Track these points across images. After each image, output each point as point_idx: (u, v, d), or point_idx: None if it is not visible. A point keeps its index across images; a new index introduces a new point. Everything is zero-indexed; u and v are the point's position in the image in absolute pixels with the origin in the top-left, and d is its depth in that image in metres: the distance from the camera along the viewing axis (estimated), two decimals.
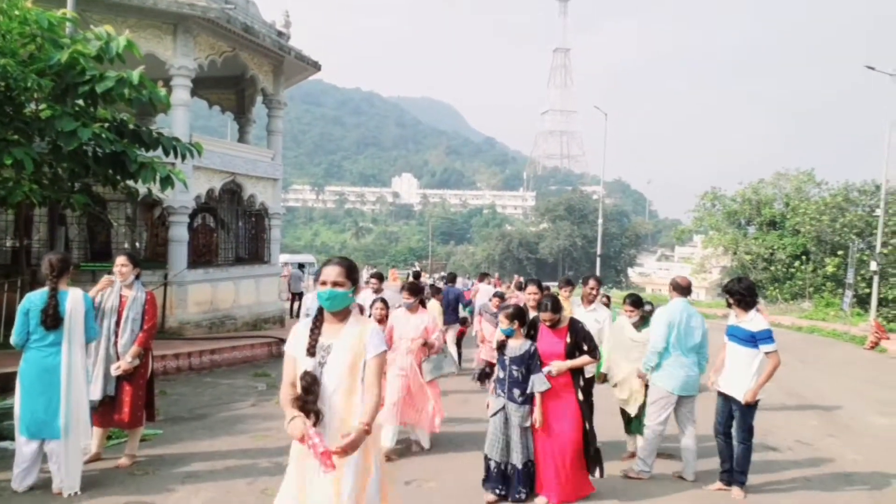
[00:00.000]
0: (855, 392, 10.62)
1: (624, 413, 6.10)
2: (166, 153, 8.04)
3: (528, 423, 4.72)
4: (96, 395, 5.06)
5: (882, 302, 24.42)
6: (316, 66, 14.71)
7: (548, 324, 4.88)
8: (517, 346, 4.82)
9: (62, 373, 4.54)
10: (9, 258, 11.31)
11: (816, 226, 29.22)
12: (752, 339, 5.05)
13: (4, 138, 7.00)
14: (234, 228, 13.79)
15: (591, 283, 6.65)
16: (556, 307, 4.87)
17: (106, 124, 7.56)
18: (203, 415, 7.18)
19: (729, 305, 5.37)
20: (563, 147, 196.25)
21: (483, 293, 11.79)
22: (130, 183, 8.44)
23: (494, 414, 4.83)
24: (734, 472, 5.20)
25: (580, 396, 4.80)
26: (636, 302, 6.21)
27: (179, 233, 11.49)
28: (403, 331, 6.18)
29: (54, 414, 4.51)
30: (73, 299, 4.64)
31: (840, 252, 27.71)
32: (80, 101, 7.60)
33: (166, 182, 7.83)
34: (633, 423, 6.03)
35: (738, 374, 5.11)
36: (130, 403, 5.17)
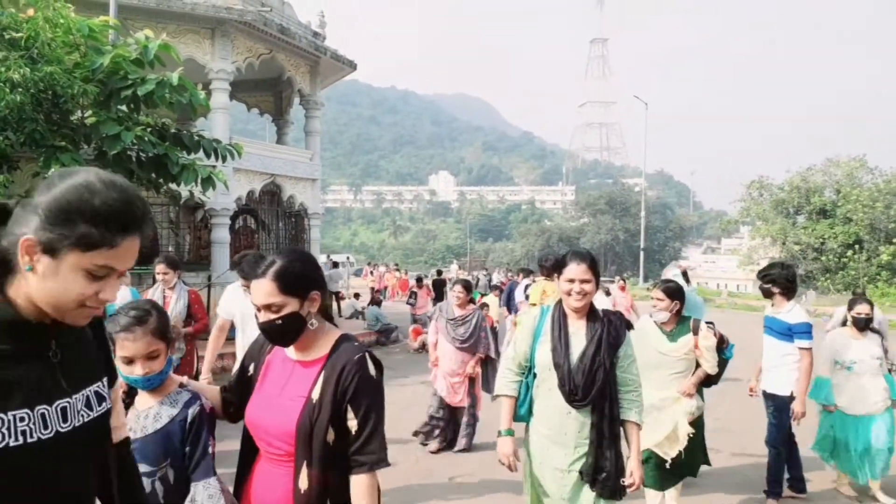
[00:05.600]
0: None
1: (656, 460, 4.10)
2: (207, 155, 8.15)
3: None
4: None
5: None
6: (352, 66, 14.77)
7: (261, 325, 1.85)
8: (148, 411, 1.96)
9: None
10: None
11: (870, 213, 28.12)
12: (789, 333, 4.56)
13: (53, 145, 7.19)
14: (274, 229, 13.96)
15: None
16: (287, 272, 1.83)
17: (148, 128, 7.70)
18: None
19: (769, 295, 4.76)
20: (603, 139, 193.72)
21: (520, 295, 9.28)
22: (173, 186, 8.58)
23: None
24: (768, 482, 4.71)
25: None
26: (673, 291, 4.08)
27: (221, 235, 11.67)
28: None
29: None
30: (122, 297, 4.72)
31: (895, 240, 26.62)
32: (123, 107, 7.76)
33: (207, 183, 7.92)
34: (666, 475, 4.11)
35: (774, 369, 4.66)
36: None
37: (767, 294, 4.77)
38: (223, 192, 10.75)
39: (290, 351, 1.93)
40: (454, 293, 5.97)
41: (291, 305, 1.81)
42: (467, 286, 6.09)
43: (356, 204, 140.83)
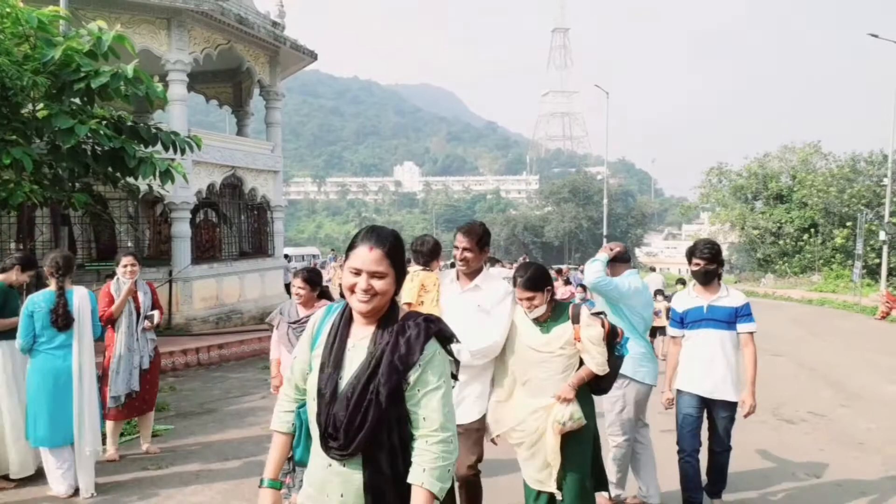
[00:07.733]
0: (866, 362, 10.56)
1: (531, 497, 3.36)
2: (165, 148, 7.98)
3: None
4: (122, 390, 5.14)
5: (892, 272, 24.23)
6: (312, 56, 14.59)
7: None
8: None
9: (74, 376, 4.44)
10: None
11: (824, 198, 29.05)
12: (734, 319, 3.92)
13: (3, 139, 6.97)
14: (236, 222, 13.77)
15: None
16: None
17: (104, 121, 7.52)
18: (213, 409, 7.18)
19: (709, 280, 3.98)
20: (566, 129, 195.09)
21: None
22: (131, 180, 8.41)
23: None
24: (716, 484, 4.15)
25: None
26: (533, 281, 3.23)
27: (182, 229, 11.46)
28: None
29: (68, 418, 4.41)
30: (80, 297, 4.56)
31: (848, 223, 27.52)
32: (77, 100, 7.55)
33: (166, 176, 7.77)
34: None
35: (724, 368, 3.91)
36: (151, 391, 5.46)
37: (711, 277, 3.97)
38: (183, 186, 10.55)
39: None
40: (294, 288, 4.56)
41: None
42: (311, 279, 4.50)
43: (320, 196, 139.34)
